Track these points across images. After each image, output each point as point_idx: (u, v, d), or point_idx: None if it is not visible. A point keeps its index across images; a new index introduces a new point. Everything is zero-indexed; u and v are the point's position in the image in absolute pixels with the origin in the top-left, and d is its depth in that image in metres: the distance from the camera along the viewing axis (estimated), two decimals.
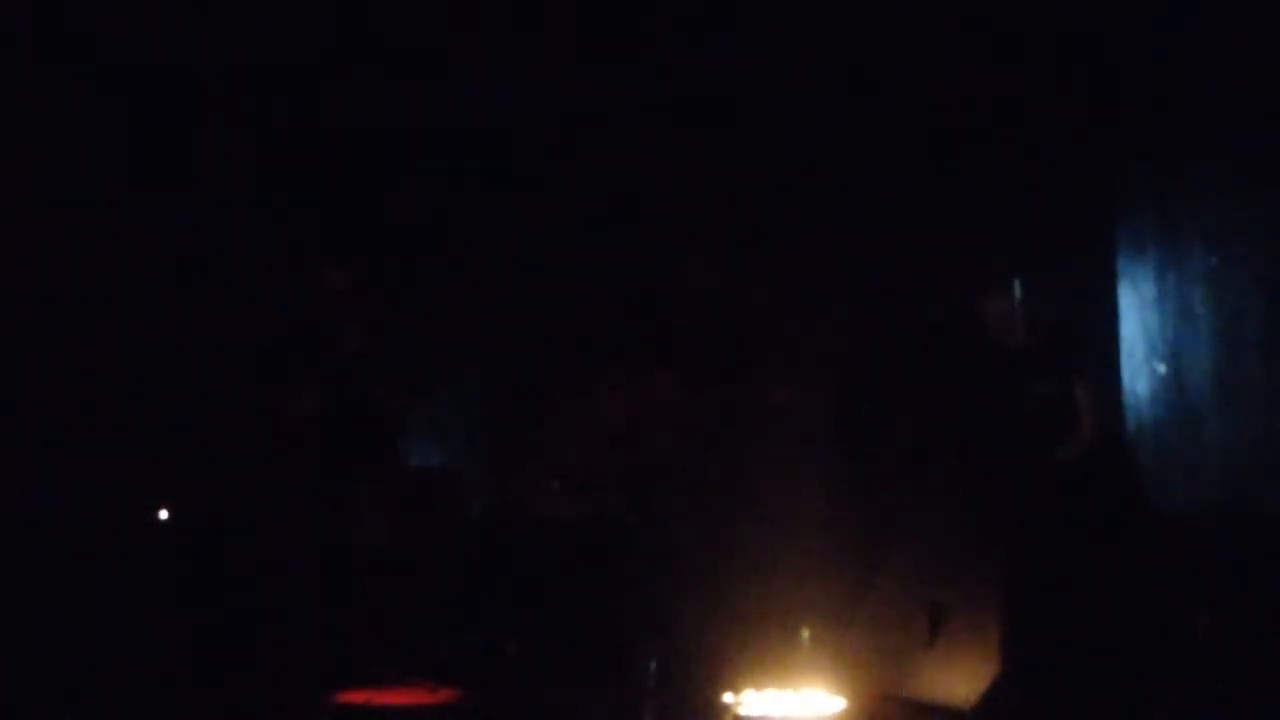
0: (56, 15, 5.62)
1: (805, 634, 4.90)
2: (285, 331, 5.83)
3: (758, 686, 4.63)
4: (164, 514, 5.81)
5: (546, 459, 5.93)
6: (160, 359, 5.90)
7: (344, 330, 5.69)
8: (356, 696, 5.07)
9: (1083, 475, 4.81)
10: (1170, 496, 5.17)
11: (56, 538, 5.45)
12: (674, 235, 6.22)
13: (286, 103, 6.33)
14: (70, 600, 5.31)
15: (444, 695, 5.15)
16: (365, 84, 6.39)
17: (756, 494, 5.57)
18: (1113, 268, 5.78)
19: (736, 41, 5.98)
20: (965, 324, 5.57)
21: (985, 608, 4.61)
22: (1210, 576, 4.91)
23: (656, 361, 5.88)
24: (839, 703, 4.59)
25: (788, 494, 5.54)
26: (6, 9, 5.45)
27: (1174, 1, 5.49)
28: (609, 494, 5.71)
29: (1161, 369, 5.48)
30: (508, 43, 6.08)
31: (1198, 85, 5.46)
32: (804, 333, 5.88)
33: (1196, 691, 4.45)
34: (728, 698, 4.59)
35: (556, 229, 6.42)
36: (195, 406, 5.93)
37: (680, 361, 5.87)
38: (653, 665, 4.96)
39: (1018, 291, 5.41)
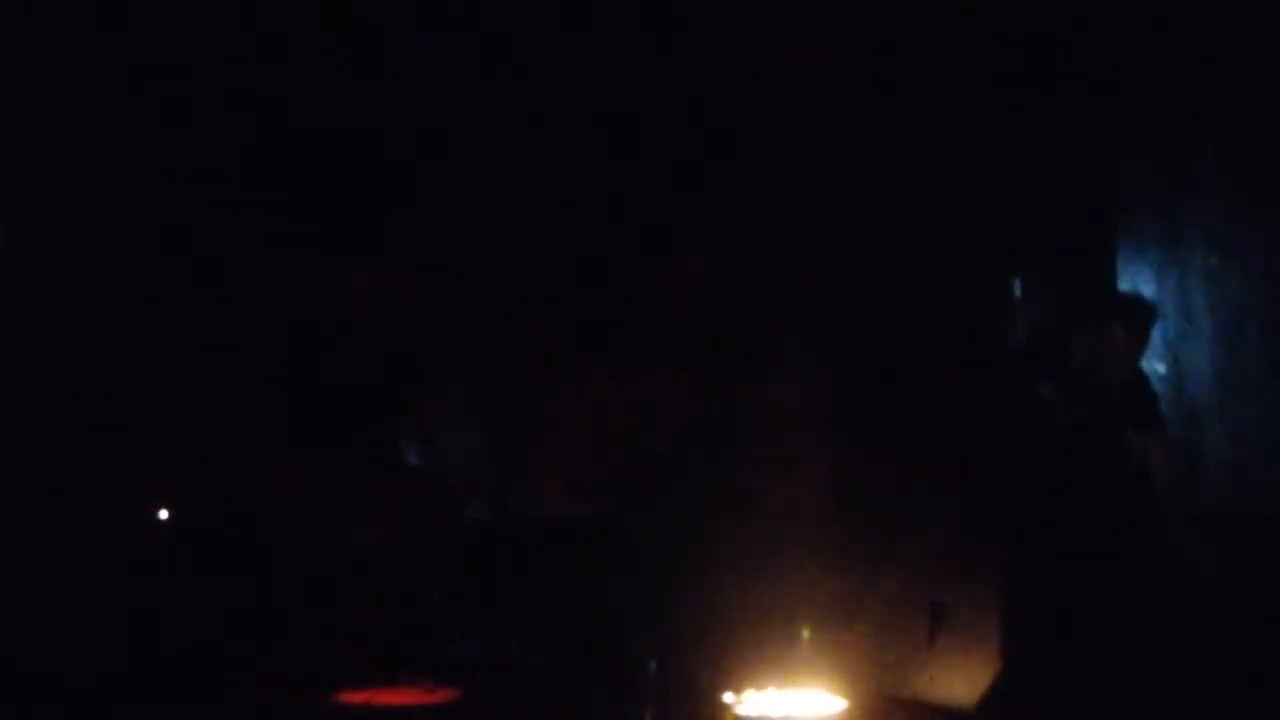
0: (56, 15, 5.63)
1: (805, 634, 4.90)
2: (288, 331, 5.84)
3: (758, 686, 4.63)
4: (164, 514, 5.81)
5: (546, 459, 5.92)
6: (161, 358, 5.90)
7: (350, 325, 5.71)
8: (356, 696, 5.07)
9: (1086, 475, 4.81)
10: (1170, 496, 5.16)
11: (56, 537, 5.45)
12: (674, 234, 6.22)
13: (286, 104, 6.33)
14: (70, 600, 5.31)
15: (444, 695, 5.15)
16: (363, 84, 6.39)
17: (757, 493, 5.57)
18: (1113, 268, 5.77)
19: (737, 42, 5.98)
20: (966, 325, 5.57)
21: (986, 608, 4.61)
22: (1210, 576, 4.91)
23: (656, 361, 5.87)
24: (839, 703, 4.59)
25: (788, 493, 5.54)
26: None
27: (1174, 1, 5.49)
28: (609, 494, 5.70)
29: (1161, 369, 5.48)
30: (507, 43, 6.08)
31: (1198, 85, 5.46)
32: (805, 331, 5.88)
33: (1197, 692, 4.45)
34: (728, 698, 4.59)
35: (555, 228, 6.42)
36: (196, 406, 5.93)
37: (680, 361, 5.86)
38: (653, 665, 4.96)
39: (1018, 292, 5.42)
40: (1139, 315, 4.99)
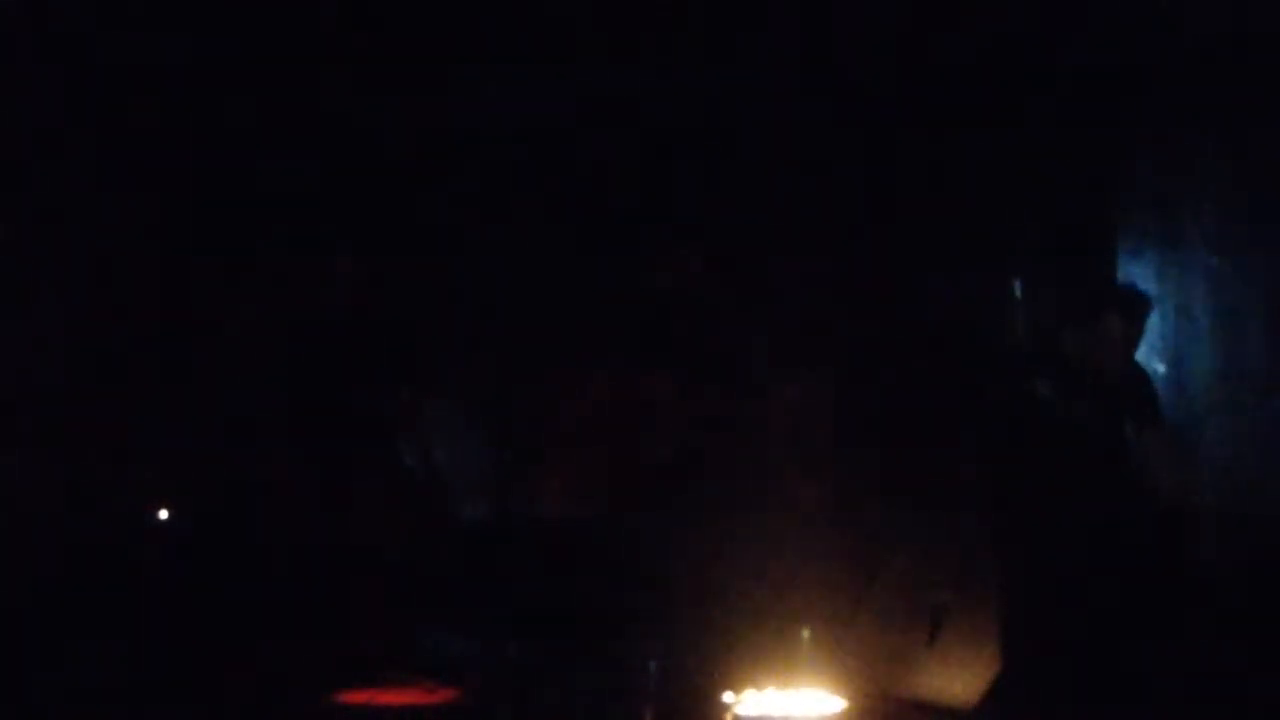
0: (59, 12, 5.64)
1: (805, 634, 4.89)
2: (288, 330, 5.85)
3: (758, 686, 4.63)
4: (164, 514, 5.81)
5: (546, 459, 5.92)
6: (162, 358, 5.90)
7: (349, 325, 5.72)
8: (356, 696, 5.07)
9: (1086, 474, 4.81)
10: (1170, 495, 5.16)
11: (57, 537, 5.45)
12: (674, 235, 6.22)
13: (290, 101, 6.33)
14: (70, 600, 5.31)
15: (444, 695, 5.15)
16: (367, 84, 6.40)
17: (756, 494, 5.56)
18: (1113, 267, 5.78)
19: (736, 43, 5.98)
20: (966, 325, 5.57)
21: (985, 608, 4.61)
22: (1210, 576, 4.91)
23: (655, 361, 5.87)
24: (839, 703, 4.59)
25: (788, 494, 5.54)
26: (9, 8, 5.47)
27: (1174, 1, 5.49)
28: (609, 494, 5.70)
29: (1161, 369, 5.48)
30: (509, 44, 6.08)
31: (1198, 85, 5.46)
32: (804, 332, 5.88)
33: (1197, 691, 4.45)
34: (728, 698, 4.59)
35: (556, 229, 6.42)
36: (196, 406, 5.94)
37: (679, 361, 5.86)
38: (653, 665, 4.95)
39: (1018, 292, 5.42)
40: (1135, 305, 4.98)
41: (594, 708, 4.91)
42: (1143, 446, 4.84)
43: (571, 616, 5.45)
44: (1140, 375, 5.05)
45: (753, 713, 4.53)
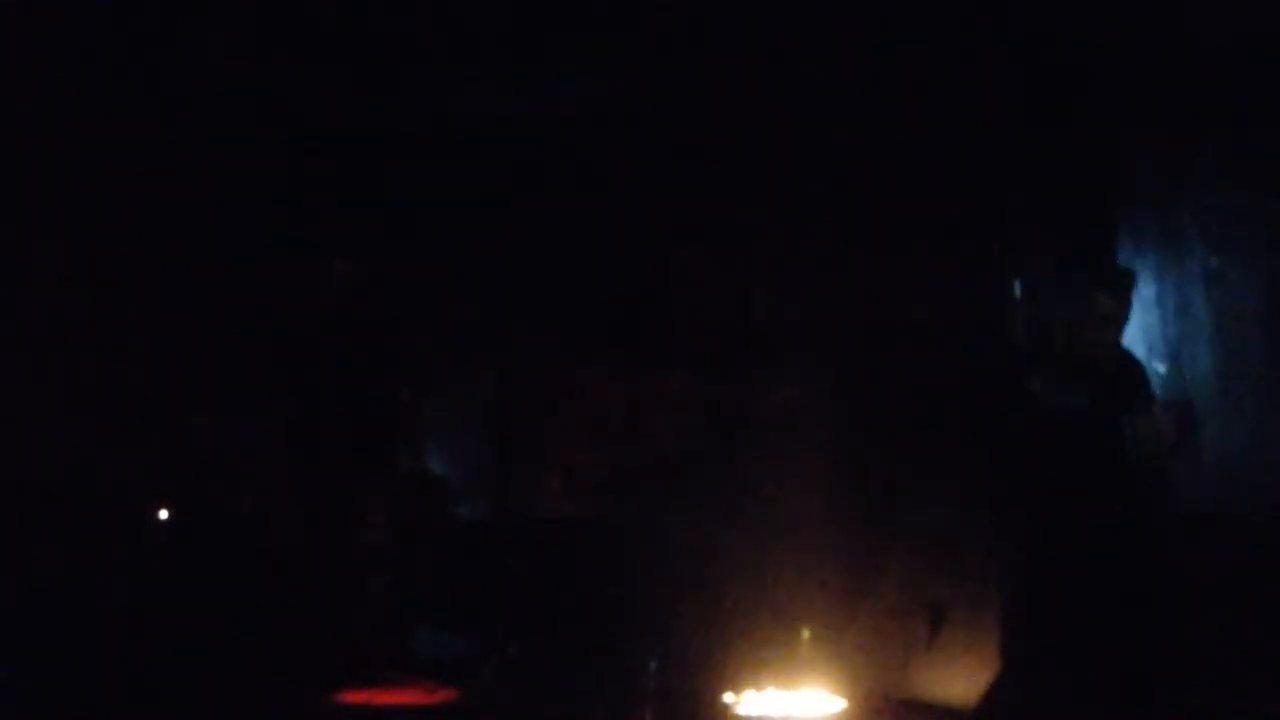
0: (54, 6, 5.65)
1: (805, 634, 4.90)
2: (289, 328, 5.86)
3: (758, 686, 4.63)
4: (164, 514, 5.82)
5: (546, 459, 5.93)
6: (163, 356, 5.91)
7: (349, 325, 5.73)
8: (356, 696, 5.07)
9: (1084, 471, 4.81)
10: (1170, 496, 5.16)
11: (57, 536, 5.46)
12: (675, 233, 6.22)
13: (293, 96, 6.34)
14: (71, 599, 5.31)
15: (444, 695, 5.16)
16: (374, 79, 6.40)
17: (756, 494, 5.56)
18: (1113, 265, 5.77)
19: (738, 42, 5.98)
20: (966, 323, 5.57)
21: (985, 608, 4.61)
22: (1210, 576, 4.91)
23: (656, 360, 5.87)
24: (839, 703, 4.60)
25: (788, 494, 5.54)
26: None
27: (1174, 2, 5.49)
28: (609, 494, 5.71)
29: (1161, 369, 5.47)
30: (511, 42, 6.09)
31: (1198, 85, 5.46)
32: (805, 331, 5.88)
33: (1197, 691, 4.45)
34: (728, 698, 4.59)
35: (556, 227, 6.42)
36: (198, 404, 5.94)
37: (680, 360, 5.86)
38: (653, 665, 4.96)
39: (1017, 292, 5.42)
40: (1120, 281, 4.99)
41: (594, 708, 4.92)
42: (1142, 442, 4.83)
43: (571, 616, 5.46)
44: (1131, 361, 5.05)
45: (753, 713, 4.53)
